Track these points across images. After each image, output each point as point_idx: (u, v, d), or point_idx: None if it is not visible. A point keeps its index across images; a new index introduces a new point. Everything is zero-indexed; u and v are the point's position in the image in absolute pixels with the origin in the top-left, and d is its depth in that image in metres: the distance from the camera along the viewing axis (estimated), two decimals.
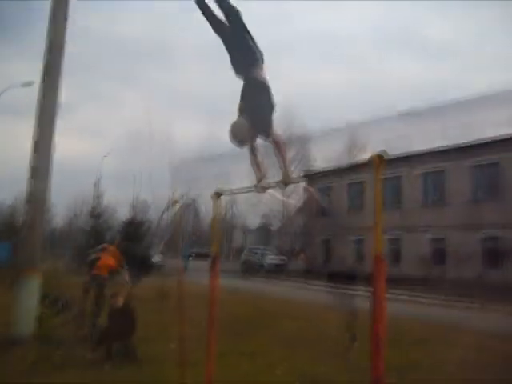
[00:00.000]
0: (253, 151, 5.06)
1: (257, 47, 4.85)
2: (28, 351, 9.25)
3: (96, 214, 24.30)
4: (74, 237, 37.89)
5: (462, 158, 27.79)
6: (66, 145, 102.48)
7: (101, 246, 12.72)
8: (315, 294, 23.63)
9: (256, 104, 4.68)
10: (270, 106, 4.74)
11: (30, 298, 10.52)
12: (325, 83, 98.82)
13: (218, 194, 6.20)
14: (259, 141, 4.95)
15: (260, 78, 4.79)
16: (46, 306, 13.94)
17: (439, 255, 28.74)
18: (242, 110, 4.71)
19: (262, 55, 4.90)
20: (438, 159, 29.04)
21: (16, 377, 7.51)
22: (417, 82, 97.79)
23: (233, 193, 6.33)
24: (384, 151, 3.75)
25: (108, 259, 11.85)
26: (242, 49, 4.78)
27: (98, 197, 25.33)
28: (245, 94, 4.79)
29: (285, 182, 5.00)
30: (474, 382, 8.18)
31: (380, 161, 3.69)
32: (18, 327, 10.19)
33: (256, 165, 5.18)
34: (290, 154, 41.14)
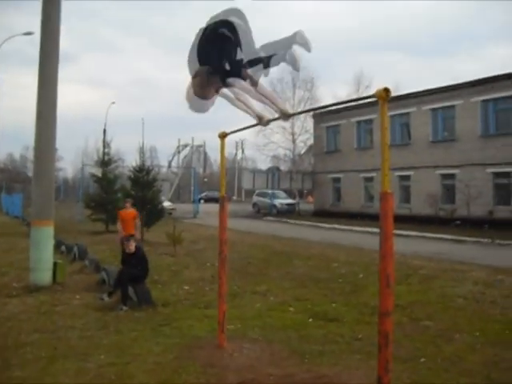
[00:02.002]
0: (233, 99, 4.95)
1: None
2: (47, 296, 9.51)
3: (105, 161, 24.33)
4: (84, 185, 38.05)
5: (472, 93, 27.29)
6: (72, 95, 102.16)
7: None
8: (325, 233, 23.88)
9: (205, 52, 4.51)
10: (224, 50, 4.48)
11: (44, 247, 10.69)
12: (329, 17, 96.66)
13: (223, 135, 6.16)
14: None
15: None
16: (61, 255, 14.26)
17: (449, 192, 28.70)
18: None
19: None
20: (447, 95, 28.57)
21: (37, 320, 7.72)
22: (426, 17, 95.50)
23: (238, 131, 6.27)
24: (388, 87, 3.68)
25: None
26: None
27: (106, 144, 25.17)
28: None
29: (286, 114, 5.01)
30: (482, 316, 8.29)
31: (386, 95, 3.62)
32: (35, 275, 10.41)
33: (248, 108, 5.07)
34: (297, 95, 40.57)
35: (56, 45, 11.00)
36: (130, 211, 13.97)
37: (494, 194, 26.56)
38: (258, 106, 5.07)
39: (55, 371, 5.53)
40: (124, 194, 20.13)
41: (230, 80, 4.50)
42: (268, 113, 5.75)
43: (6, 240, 18.51)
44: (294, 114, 5.15)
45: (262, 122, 5.20)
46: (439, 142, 29.74)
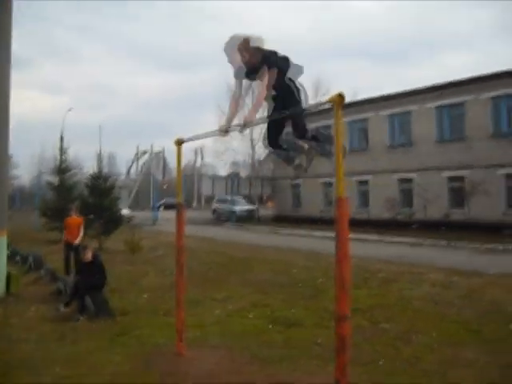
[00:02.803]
0: (239, 86, 5.03)
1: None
2: (0, 309, 9.25)
3: (62, 169, 23.86)
4: (41, 193, 37.22)
5: (428, 99, 27.89)
6: (26, 101, 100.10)
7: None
8: (285, 239, 23.98)
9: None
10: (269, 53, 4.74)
11: None
12: (288, 28, 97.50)
13: (179, 142, 6.12)
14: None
15: None
16: (16, 264, 13.90)
17: (407, 196, 29.24)
18: None
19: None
20: (404, 101, 29.14)
21: None
22: (381, 25, 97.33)
23: (195, 138, 6.23)
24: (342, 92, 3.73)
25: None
26: None
27: (63, 152, 24.67)
28: None
29: (244, 124, 4.93)
30: (439, 317, 8.45)
31: (340, 100, 3.67)
32: None
33: (233, 103, 5.15)
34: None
35: (7, 48, 10.73)
36: (74, 218, 13.71)
37: (450, 198, 27.21)
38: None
39: None
40: (81, 201, 19.78)
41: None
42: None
43: None
44: (249, 125, 5.10)
45: (219, 130, 5.21)
46: (396, 147, 30.27)
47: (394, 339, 7.12)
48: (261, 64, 4.68)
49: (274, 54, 4.76)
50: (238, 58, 4.70)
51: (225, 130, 5.18)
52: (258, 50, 4.68)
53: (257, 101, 4.82)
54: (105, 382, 5.47)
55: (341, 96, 3.67)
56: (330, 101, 3.73)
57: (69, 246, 13.10)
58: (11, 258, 11.45)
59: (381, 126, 30.83)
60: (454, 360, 6.16)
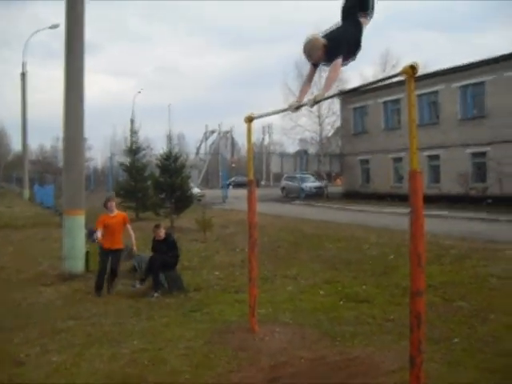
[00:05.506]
0: (314, 67, 5.03)
1: None
2: (80, 284, 9.67)
3: (133, 150, 24.47)
4: (114, 174, 38.42)
5: (502, 69, 26.61)
6: (98, 84, 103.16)
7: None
8: (354, 215, 23.71)
9: (337, 30, 4.84)
10: (350, 34, 4.79)
11: (76, 236, 10.89)
12: None
13: (249, 119, 6.12)
14: None
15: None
16: (93, 243, 14.43)
17: (480, 171, 28.21)
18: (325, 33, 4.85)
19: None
20: (476, 72, 27.95)
21: (72, 307, 7.87)
22: None
23: (265, 115, 6.23)
24: (416, 62, 3.59)
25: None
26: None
27: (134, 132, 25.28)
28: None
29: (314, 100, 4.94)
30: None
31: (413, 71, 3.54)
32: (69, 263, 10.60)
33: (307, 81, 5.20)
34: (324, 78, 40.11)
35: (81, 35, 11.06)
36: (116, 215, 9.40)
37: None
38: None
39: (90, 356, 5.63)
40: (153, 181, 20.26)
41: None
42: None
43: (39, 230, 18.81)
44: (321, 100, 5.09)
45: (290, 107, 5.35)
46: (468, 119, 29.17)
47: (469, 317, 6.92)
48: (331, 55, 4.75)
49: (342, 41, 4.76)
50: (315, 56, 4.78)
51: (295, 107, 5.24)
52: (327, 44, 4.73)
53: (327, 83, 4.83)
54: (180, 354, 5.61)
55: (413, 67, 3.53)
56: (402, 72, 3.60)
57: (105, 253, 9.16)
58: (88, 237, 11.87)
59: (452, 98, 29.74)
60: None
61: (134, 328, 6.73)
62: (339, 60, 4.67)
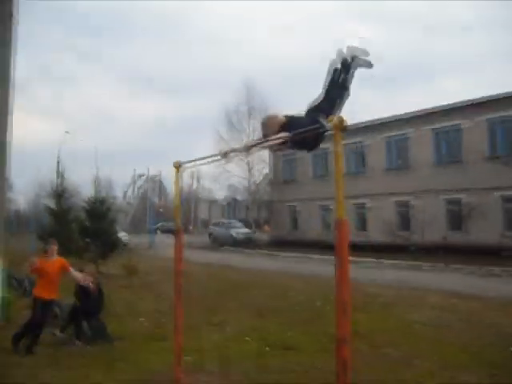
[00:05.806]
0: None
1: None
2: None
3: (59, 192, 23.82)
4: (38, 217, 37.14)
5: (425, 123, 28.15)
6: (25, 124, 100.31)
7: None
8: (282, 262, 23.88)
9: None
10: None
11: None
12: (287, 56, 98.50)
13: (177, 165, 6.10)
14: None
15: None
16: (13, 288, 13.76)
17: (404, 219, 29.31)
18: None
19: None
20: (401, 125, 29.42)
21: None
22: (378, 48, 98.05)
23: (194, 162, 6.22)
24: (341, 117, 3.73)
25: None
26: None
27: (60, 175, 24.67)
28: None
29: (247, 147, 4.95)
30: (440, 340, 8.40)
31: (340, 124, 3.67)
32: None
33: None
34: (252, 125, 40.91)
35: (7, 71, 10.74)
36: (54, 261, 8.38)
37: (447, 220, 27.27)
38: None
39: None
40: (78, 225, 19.75)
41: None
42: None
43: None
44: (253, 146, 5.08)
45: (221, 155, 5.19)
46: (393, 169, 30.42)
47: (395, 363, 7.07)
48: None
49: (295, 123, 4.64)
50: (269, 133, 4.68)
51: (225, 153, 5.17)
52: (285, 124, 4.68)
53: (264, 142, 4.81)
54: None
55: (341, 120, 3.67)
56: (330, 125, 3.73)
57: (42, 304, 8.12)
58: (6, 281, 11.31)
59: (378, 148, 31.01)
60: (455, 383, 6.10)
61: (51, 380, 6.41)
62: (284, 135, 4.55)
